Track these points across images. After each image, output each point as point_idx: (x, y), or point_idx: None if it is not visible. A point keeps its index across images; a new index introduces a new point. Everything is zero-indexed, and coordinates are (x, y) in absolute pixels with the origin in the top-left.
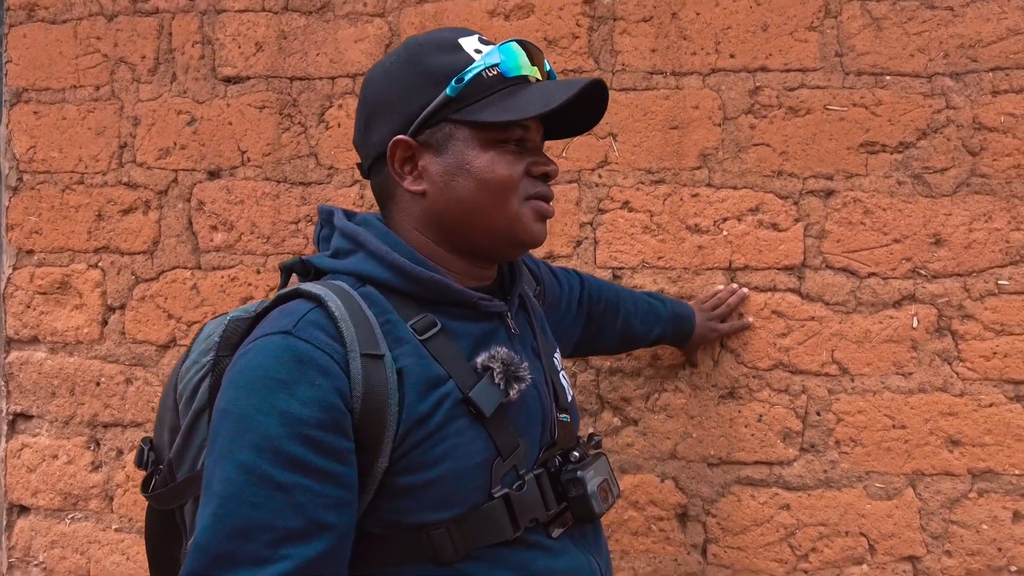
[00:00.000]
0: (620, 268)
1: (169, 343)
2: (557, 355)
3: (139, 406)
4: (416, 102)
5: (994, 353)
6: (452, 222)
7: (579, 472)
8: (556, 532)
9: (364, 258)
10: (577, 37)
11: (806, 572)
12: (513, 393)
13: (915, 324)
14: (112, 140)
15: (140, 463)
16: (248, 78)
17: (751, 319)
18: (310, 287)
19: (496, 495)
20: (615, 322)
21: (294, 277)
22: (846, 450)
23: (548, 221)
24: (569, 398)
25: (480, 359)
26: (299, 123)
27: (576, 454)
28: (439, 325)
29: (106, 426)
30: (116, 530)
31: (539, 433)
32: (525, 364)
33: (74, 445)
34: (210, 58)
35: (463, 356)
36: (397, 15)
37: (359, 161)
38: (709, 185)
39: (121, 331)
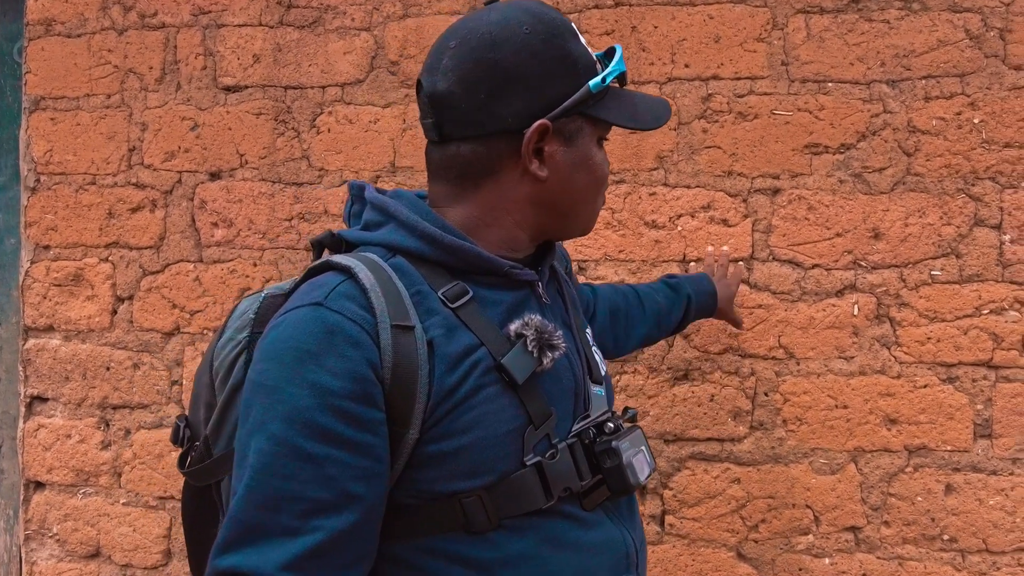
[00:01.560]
0: (584, 261)
1: (174, 331)
2: (589, 331)
3: (145, 389)
4: (559, 88)
5: (928, 338)
6: (563, 210)
7: (614, 443)
8: (590, 506)
9: (394, 229)
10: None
11: (756, 542)
12: (547, 361)
13: (856, 311)
14: (122, 144)
15: (176, 440)
16: (246, 87)
17: (740, 264)
18: (340, 259)
19: (528, 463)
20: (641, 309)
21: (326, 253)
22: (792, 428)
23: None
24: (603, 372)
25: (513, 327)
26: (292, 128)
27: (611, 425)
28: (471, 293)
29: (115, 408)
30: (124, 504)
31: (571, 403)
32: (559, 332)
33: (86, 425)
34: (211, 69)
35: (495, 324)
36: (382, 29)
37: (433, 120)
38: (665, 184)
39: (129, 320)
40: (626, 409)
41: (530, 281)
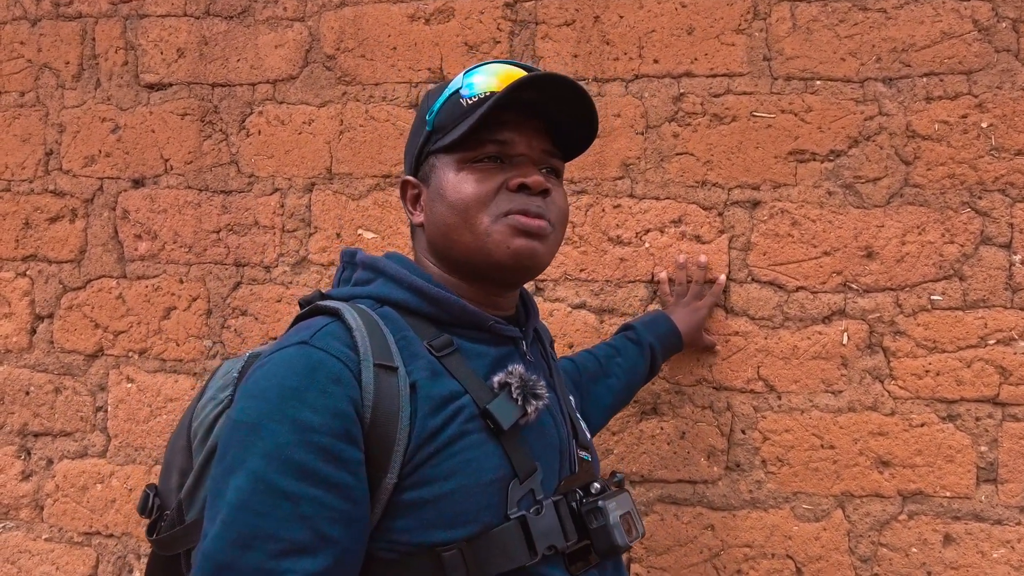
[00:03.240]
0: (542, 280)
1: (97, 352)
2: (572, 399)
3: (68, 415)
4: (414, 143)
5: (926, 371)
6: (440, 247)
7: (600, 502)
8: (576, 570)
9: (384, 282)
10: (498, 42)
11: None
12: (531, 410)
13: (845, 340)
14: (38, 147)
15: (144, 510)
16: (170, 85)
17: (722, 277)
18: (328, 304)
19: (512, 516)
20: (607, 380)
21: None
22: (772, 470)
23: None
24: (588, 437)
25: (497, 378)
26: (220, 130)
27: (597, 486)
28: (455, 345)
29: (36, 435)
30: (46, 540)
31: (556, 462)
32: (543, 383)
33: (4, 454)
34: (133, 64)
35: (479, 376)
36: (317, 19)
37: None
38: (631, 196)
39: (50, 340)
40: (613, 473)
41: (514, 338)
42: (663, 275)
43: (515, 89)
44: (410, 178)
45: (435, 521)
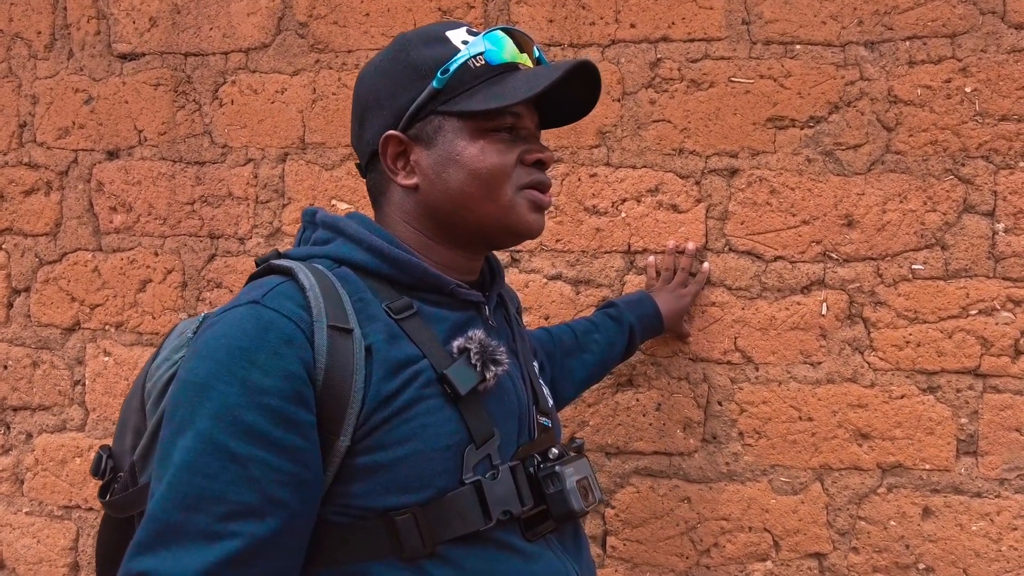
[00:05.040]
0: (517, 251)
1: (74, 326)
2: (536, 364)
3: (46, 389)
4: (405, 96)
5: (907, 342)
6: (446, 214)
7: (557, 467)
8: (533, 537)
9: (342, 243)
10: (473, 7)
11: (708, 568)
12: (490, 376)
13: (824, 311)
14: (11, 119)
15: (97, 472)
16: (143, 54)
17: (707, 264)
18: (282, 263)
19: (467, 481)
20: (582, 355)
21: None
22: (750, 442)
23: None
24: (550, 404)
25: (457, 343)
26: (193, 100)
27: (555, 451)
28: (415, 308)
29: (15, 409)
30: (27, 513)
31: (515, 428)
32: (503, 349)
33: None
34: (105, 34)
35: (439, 340)
36: None
37: (357, 162)
38: (607, 164)
39: (27, 314)
40: (572, 438)
41: (476, 303)
42: (650, 260)
43: (568, 76)
44: (397, 133)
45: (389, 486)
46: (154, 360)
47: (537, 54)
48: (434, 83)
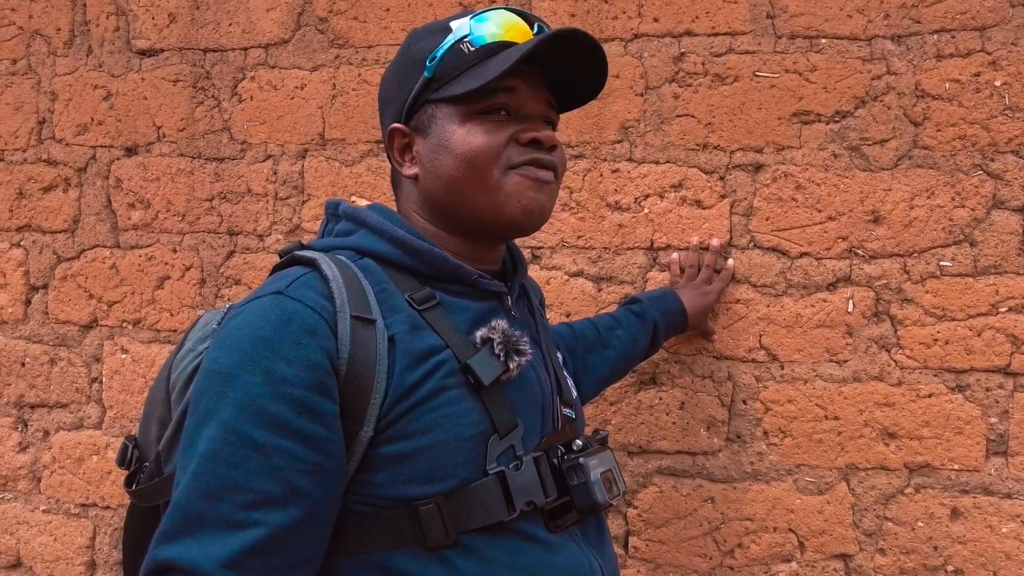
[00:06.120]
0: (539, 248)
1: (91, 323)
2: (560, 355)
3: (63, 387)
4: (405, 89)
5: (934, 340)
6: (441, 202)
7: (581, 459)
8: (556, 528)
9: (365, 234)
10: (494, 1)
11: (731, 569)
12: (513, 366)
13: (850, 308)
14: (31, 116)
15: (123, 462)
16: (162, 51)
17: (731, 261)
18: (306, 253)
19: (491, 472)
20: (604, 351)
21: None
22: (775, 441)
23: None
24: (573, 395)
25: (479, 333)
26: (212, 96)
27: (579, 443)
28: (438, 298)
29: (33, 407)
30: (44, 511)
31: (539, 419)
32: (526, 339)
33: (1, 426)
34: (124, 30)
35: (461, 330)
36: None
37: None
38: (630, 160)
39: (44, 311)
40: (596, 430)
41: (498, 293)
42: (674, 256)
43: (541, 44)
44: (400, 126)
45: (412, 475)
46: (179, 351)
47: (537, 29)
48: (425, 72)
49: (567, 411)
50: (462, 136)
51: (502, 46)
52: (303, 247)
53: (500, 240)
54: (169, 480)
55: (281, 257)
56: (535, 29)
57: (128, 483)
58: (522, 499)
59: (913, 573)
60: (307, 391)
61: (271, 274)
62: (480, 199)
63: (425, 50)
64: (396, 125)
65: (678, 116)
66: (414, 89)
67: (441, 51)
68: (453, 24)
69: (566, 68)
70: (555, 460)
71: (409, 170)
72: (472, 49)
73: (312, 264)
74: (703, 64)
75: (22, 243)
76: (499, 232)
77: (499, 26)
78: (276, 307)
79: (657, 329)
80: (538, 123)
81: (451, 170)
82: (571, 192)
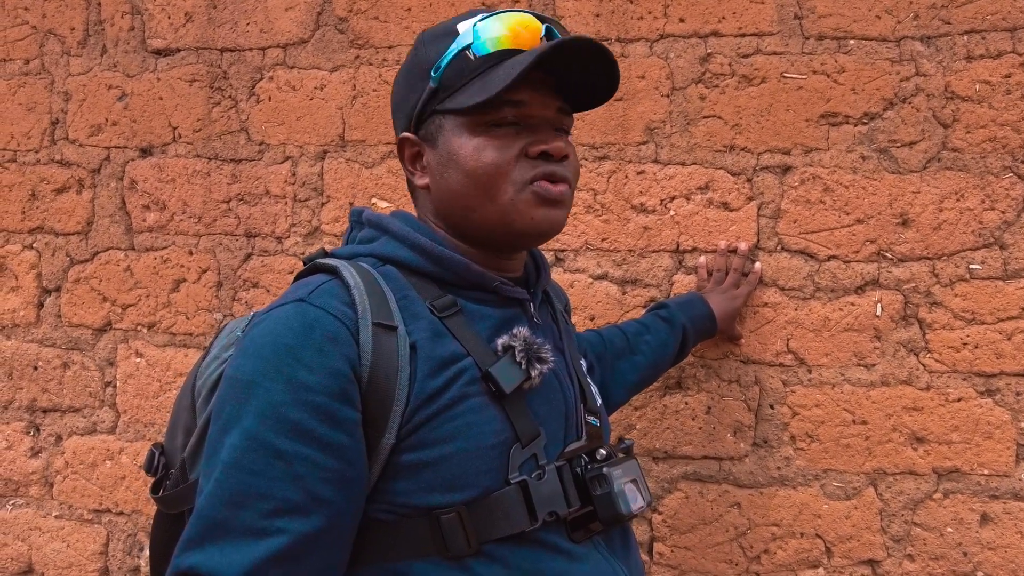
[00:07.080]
0: (562, 250)
1: (105, 327)
2: (584, 362)
3: (76, 391)
4: (413, 97)
5: (964, 344)
6: (453, 215)
7: (605, 469)
8: (579, 538)
9: (387, 241)
10: (518, 1)
11: (758, 575)
12: (535, 374)
13: (879, 311)
14: (43, 116)
15: (150, 468)
16: (178, 50)
17: (758, 264)
18: (328, 261)
19: (513, 481)
20: (633, 357)
21: None
22: (802, 446)
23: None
24: (598, 403)
25: (501, 340)
26: (229, 97)
27: (603, 452)
28: (459, 306)
29: (45, 411)
30: (56, 517)
31: (562, 427)
32: (548, 346)
33: (13, 430)
34: (140, 30)
35: (483, 337)
36: None
37: None
38: (656, 161)
39: (57, 314)
40: (621, 439)
41: (521, 300)
42: (701, 260)
43: (545, 53)
44: (409, 135)
45: (434, 484)
46: (204, 359)
47: (546, 31)
48: (431, 82)
49: (592, 419)
50: (471, 152)
51: (507, 54)
52: (326, 255)
53: (514, 251)
54: (193, 487)
55: (305, 264)
56: (543, 32)
57: (154, 490)
58: (544, 509)
59: None
60: (329, 398)
61: (294, 282)
62: (491, 215)
63: (430, 57)
64: (406, 134)
65: (704, 117)
66: (421, 98)
67: (446, 60)
68: (460, 27)
69: (577, 70)
70: (578, 469)
71: (421, 180)
72: (479, 58)
73: (334, 272)
74: (730, 65)
75: (35, 245)
76: (511, 244)
77: (505, 28)
78: (298, 315)
79: (687, 334)
80: (548, 132)
81: (461, 186)
82: (595, 194)
